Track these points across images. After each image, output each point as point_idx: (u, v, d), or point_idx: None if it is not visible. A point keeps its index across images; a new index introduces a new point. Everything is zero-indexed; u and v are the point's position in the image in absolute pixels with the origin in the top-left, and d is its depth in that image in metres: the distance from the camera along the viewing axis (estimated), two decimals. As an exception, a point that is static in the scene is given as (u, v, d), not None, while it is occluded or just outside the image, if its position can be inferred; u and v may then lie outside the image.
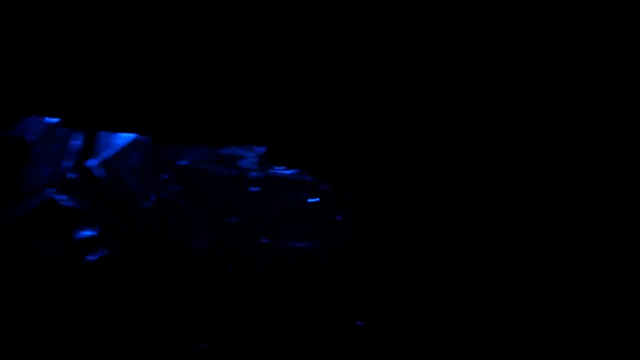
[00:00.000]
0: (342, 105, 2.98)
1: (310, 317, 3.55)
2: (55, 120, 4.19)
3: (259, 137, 3.44)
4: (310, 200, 5.02)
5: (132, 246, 4.38)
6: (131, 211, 4.92)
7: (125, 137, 5.57)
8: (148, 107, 3.07)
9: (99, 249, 4.26)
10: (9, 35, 2.60)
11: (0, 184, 3.77)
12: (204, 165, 5.92)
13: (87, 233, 4.35)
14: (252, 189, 5.50)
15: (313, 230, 4.85)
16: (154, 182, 5.60)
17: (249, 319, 3.48)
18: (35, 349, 3.06)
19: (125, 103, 3.09)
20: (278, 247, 4.56)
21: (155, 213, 4.88)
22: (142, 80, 2.93)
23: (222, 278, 3.99)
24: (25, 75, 3.20)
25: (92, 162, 4.99)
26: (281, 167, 6.75)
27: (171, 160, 6.17)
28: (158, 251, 4.19)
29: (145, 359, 3.10)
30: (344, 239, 4.58)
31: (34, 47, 2.75)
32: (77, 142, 4.63)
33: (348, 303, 3.69)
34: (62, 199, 4.43)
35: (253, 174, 5.97)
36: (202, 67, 2.79)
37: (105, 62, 2.88)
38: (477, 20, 2.33)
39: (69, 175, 4.66)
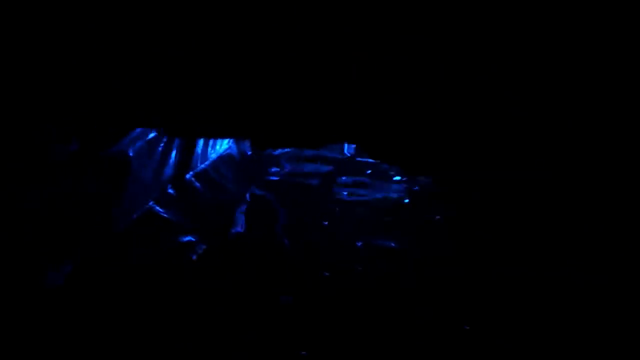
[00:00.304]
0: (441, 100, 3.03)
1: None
2: (153, 135, 4.86)
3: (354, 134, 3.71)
4: (405, 201, 5.45)
5: (231, 248, 5.05)
6: (227, 218, 5.58)
7: (217, 152, 6.28)
8: (249, 112, 3.38)
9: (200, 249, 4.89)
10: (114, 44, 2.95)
11: (104, 197, 4.43)
12: (292, 178, 6.50)
13: (188, 238, 4.80)
14: (343, 193, 6.13)
15: (407, 231, 5.00)
16: (245, 193, 6.33)
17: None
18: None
19: (223, 108, 3.44)
20: (371, 248, 4.72)
21: (250, 216, 5.45)
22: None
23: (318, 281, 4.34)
24: (129, 87, 3.63)
25: (188, 175, 5.48)
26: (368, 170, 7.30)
27: (258, 176, 6.89)
28: (254, 252, 4.73)
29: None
30: (439, 240, 4.78)
31: (143, 58, 3.11)
32: (173, 157, 5.34)
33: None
34: (162, 210, 4.91)
35: (343, 178, 6.56)
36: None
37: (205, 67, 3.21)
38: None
39: (168, 189, 5.15)
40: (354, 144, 4.96)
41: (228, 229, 5.44)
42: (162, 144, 5.08)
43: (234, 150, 6.44)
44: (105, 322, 3.62)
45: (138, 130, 4.70)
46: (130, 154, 4.58)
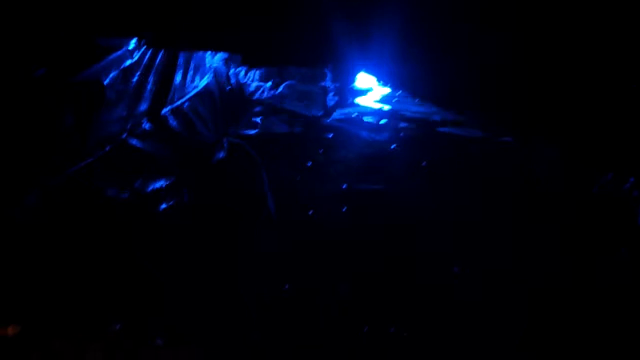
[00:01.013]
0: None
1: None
2: (129, 63, 4.51)
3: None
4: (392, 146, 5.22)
5: (206, 195, 4.71)
6: (205, 160, 5.28)
7: (196, 87, 5.90)
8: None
9: (172, 198, 4.63)
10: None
11: (74, 127, 4.13)
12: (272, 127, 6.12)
13: (161, 182, 4.53)
14: (327, 135, 5.81)
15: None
16: (224, 131, 5.93)
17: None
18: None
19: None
20: (357, 191, 4.49)
21: (228, 162, 5.12)
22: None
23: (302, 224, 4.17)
24: None
25: (165, 110, 5.18)
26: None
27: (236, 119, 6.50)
28: (232, 200, 4.45)
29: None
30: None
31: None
32: (149, 90, 4.99)
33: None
34: (136, 144, 4.64)
35: (331, 117, 6.25)
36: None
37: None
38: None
39: (144, 123, 4.86)
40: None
41: (202, 178, 5.21)
42: (137, 74, 4.74)
43: (213, 85, 6.12)
44: (65, 262, 3.42)
45: (112, 57, 4.34)
46: (104, 83, 4.25)
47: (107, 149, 4.39)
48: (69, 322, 3.00)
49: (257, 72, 8.02)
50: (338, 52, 3.36)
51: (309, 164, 4.99)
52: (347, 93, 7.74)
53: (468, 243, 3.75)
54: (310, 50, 3.30)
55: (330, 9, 3.01)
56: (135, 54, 4.69)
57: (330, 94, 7.86)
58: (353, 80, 8.09)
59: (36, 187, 3.73)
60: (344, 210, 4.13)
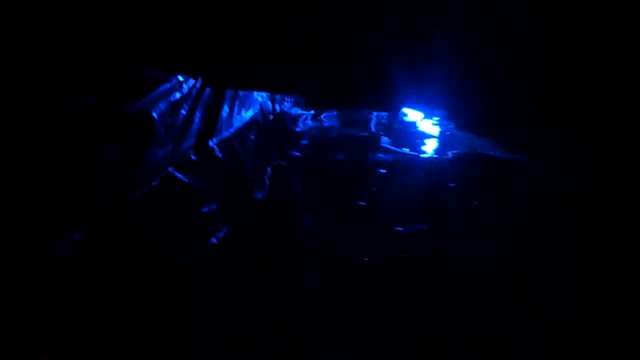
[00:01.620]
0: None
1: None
2: (178, 96, 4.45)
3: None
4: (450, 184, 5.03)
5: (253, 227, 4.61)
6: (247, 193, 5.15)
7: (242, 119, 5.84)
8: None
9: (221, 230, 4.58)
10: None
11: (123, 160, 4.06)
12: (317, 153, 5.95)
13: (206, 209, 4.47)
14: (380, 170, 5.63)
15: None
16: (267, 165, 5.83)
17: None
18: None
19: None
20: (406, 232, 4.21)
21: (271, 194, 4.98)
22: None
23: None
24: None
25: (212, 142, 5.10)
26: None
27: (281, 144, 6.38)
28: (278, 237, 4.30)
29: None
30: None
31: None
32: (197, 122, 4.94)
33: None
34: (182, 177, 4.52)
35: (381, 155, 6.02)
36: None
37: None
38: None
39: (191, 155, 4.76)
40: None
41: (249, 202, 5.06)
42: (185, 107, 4.67)
43: (259, 116, 6.02)
44: (112, 298, 3.28)
45: (161, 88, 4.29)
46: (154, 115, 4.19)
47: (153, 183, 4.30)
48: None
49: (302, 102, 7.92)
50: (398, 94, 3.28)
51: (363, 199, 4.78)
52: (395, 123, 7.55)
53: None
54: (375, 93, 3.24)
55: (392, 53, 2.95)
56: (184, 86, 4.64)
57: (374, 121, 7.69)
58: (400, 112, 7.89)
59: (82, 222, 3.64)
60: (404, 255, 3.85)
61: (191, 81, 4.75)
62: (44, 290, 3.20)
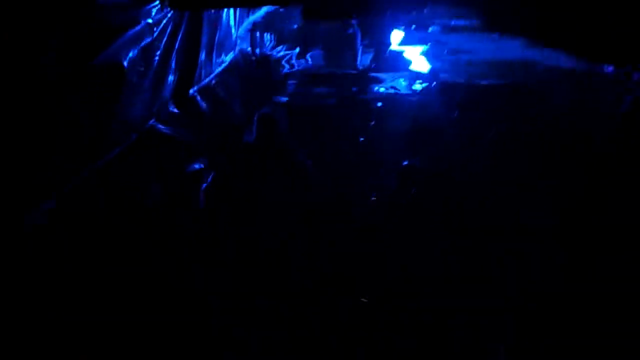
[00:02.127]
0: None
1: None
2: (149, 40, 4.01)
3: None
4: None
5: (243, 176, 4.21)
6: (236, 139, 4.79)
7: (222, 64, 5.40)
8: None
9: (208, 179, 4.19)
10: None
11: (95, 116, 3.70)
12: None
13: (197, 166, 4.15)
14: (377, 104, 5.19)
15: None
16: (254, 111, 5.39)
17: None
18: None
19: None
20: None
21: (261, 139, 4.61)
22: None
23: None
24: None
25: (193, 90, 4.73)
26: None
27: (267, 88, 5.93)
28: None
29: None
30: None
31: None
32: (173, 68, 4.50)
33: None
34: (164, 130, 4.18)
35: (374, 87, 5.63)
36: None
37: None
38: None
39: (170, 106, 4.41)
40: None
41: (238, 148, 4.75)
42: (158, 52, 4.27)
43: (239, 59, 5.61)
44: (96, 270, 3.01)
45: (129, 33, 3.87)
46: (125, 64, 3.80)
47: (133, 137, 3.97)
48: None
49: (285, 42, 7.50)
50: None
51: (362, 139, 4.46)
52: (383, 59, 7.16)
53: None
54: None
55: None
56: (155, 30, 4.21)
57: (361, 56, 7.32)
58: (388, 42, 7.48)
59: (56, 188, 3.32)
60: (413, 191, 3.60)
61: (163, 24, 4.33)
62: (27, 261, 2.93)
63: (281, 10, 7.98)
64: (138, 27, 3.98)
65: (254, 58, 6.30)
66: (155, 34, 4.18)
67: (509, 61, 6.50)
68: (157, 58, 4.21)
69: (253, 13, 7.19)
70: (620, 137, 4.34)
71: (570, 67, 6.57)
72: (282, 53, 7.29)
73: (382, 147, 4.33)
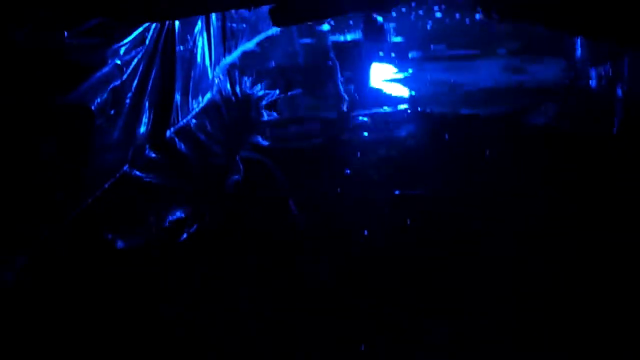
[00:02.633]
0: None
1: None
2: (119, 82, 3.74)
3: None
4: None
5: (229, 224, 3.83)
6: (219, 185, 4.43)
7: (199, 103, 5.13)
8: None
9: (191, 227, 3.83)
10: None
11: (64, 164, 3.40)
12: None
13: (178, 214, 3.81)
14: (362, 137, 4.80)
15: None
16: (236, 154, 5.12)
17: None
18: None
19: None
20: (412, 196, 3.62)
21: (246, 184, 4.31)
22: None
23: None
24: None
25: (170, 132, 4.42)
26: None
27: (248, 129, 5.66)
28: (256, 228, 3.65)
29: None
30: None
31: None
32: (147, 109, 4.14)
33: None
34: (141, 176, 3.85)
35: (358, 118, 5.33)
36: None
37: None
38: None
39: (147, 150, 4.09)
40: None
41: (222, 195, 4.48)
42: (130, 94, 4.02)
43: (218, 98, 5.40)
44: (70, 328, 2.68)
45: (98, 74, 3.62)
46: (92, 108, 3.54)
47: (106, 185, 3.67)
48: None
49: (264, 82, 7.34)
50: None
51: (348, 171, 4.21)
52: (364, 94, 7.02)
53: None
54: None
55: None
56: (125, 70, 3.99)
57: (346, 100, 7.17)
58: (368, 75, 7.38)
59: (26, 244, 2.99)
60: (408, 223, 3.33)
61: (133, 64, 4.10)
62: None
63: (258, 50, 7.89)
64: (106, 68, 3.75)
65: (233, 99, 6.10)
66: (126, 75, 3.95)
67: (491, 88, 6.40)
68: (128, 100, 3.96)
69: (230, 53, 7.06)
70: (616, 159, 4.19)
71: (553, 85, 6.49)
72: (261, 92, 7.11)
73: (370, 178, 4.11)
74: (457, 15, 9.47)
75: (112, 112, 3.77)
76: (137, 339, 2.69)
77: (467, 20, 9.15)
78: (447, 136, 4.80)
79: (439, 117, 5.87)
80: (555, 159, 4.38)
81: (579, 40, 7.47)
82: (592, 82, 5.96)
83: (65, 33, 3.50)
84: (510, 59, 7.01)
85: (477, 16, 8.89)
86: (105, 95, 3.69)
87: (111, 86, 3.76)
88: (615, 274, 2.69)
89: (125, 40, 3.91)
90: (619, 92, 5.35)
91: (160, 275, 3.15)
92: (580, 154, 4.40)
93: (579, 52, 7.08)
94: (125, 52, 4.00)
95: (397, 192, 3.77)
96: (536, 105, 5.80)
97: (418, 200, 3.66)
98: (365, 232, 3.32)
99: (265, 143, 5.65)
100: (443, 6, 9.84)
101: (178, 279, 3.14)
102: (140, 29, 4.12)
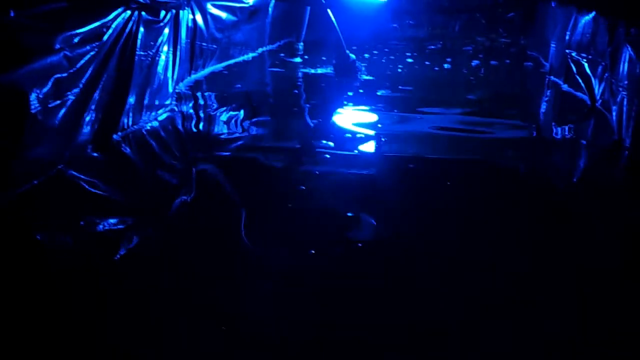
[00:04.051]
0: None
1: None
2: (66, 75, 3.41)
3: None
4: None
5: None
6: (168, 198, 4.09)
7: (156, 110, 4.82)
8: None
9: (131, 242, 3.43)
10: None
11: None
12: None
13: (116, 224, 3.49)
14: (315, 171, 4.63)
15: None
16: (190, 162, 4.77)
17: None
18: None
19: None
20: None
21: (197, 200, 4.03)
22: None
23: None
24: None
25: (117, 136, 4.20)
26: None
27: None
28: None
29: None
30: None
31: None
32: (94, 108, 3.77)
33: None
34: (79, 177, 3.54)
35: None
36: None
37: None
38: None
39: (88, 150, 3.83)
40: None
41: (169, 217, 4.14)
42: (77, 89, 3.74)
43: (177, 112, 5.15)
44: None
45: (42, 62, 3.33)
46: (31, 93, 3.22)
47: (35, 182, 3.32)
48: None
49: (230, 105, 7.15)
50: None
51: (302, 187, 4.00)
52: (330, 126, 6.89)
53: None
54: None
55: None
56: (75, 63, 3.71)
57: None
58: (335, 113, 7.27)
59: None
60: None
61: (86, 58, 3.84)
62: None
63: (227, 73, 7.73)
64: (53, 57, 3.47)
65: (194, 116, 5.88)
66: (75, 69, 3.68)
67: (456, 134, 6.34)
68: (72, 96, 3.66)
69: (196, 72, 6.87)
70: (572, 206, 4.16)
71: (518, 135, 6.50)
72: (226, 115, 6.91)
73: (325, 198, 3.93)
74: (427, 63, 9.61)
75: (52, 104, 3.47)
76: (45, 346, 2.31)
77: (436, 67, 9.29)
78: (407, 176, 4.68)
79: (402, 157, 5.73)
80: (513, 202, 4.27)
81: (545, 96, 7.61)
82: (557, 136, 6.03)
83: (12, 12, 3.25)
84: (474, 108, 7.05)
85: (445, 65, 9.05)
86: (47, 85, 3.41)
87: (55, 76, 3.48)
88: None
89: (78, 31, 3.66)
90: (583, 143, 5.42)
91: (84, 284, 2.78)
92: (538, 199, 4.34)
93: (544, 107, 7.19)
94: (78, 45, 3.75)
95: (349, 214, 3.55)
96: (499, 153, 5.77)
97: (369, 224, 3.46)
98: (312, 252, 3.07)
99: (222, 157, 5.37)
100: (415, 53, 10.01)
101: (106, 291, 2.79)
102: (97, 23, 3.89)
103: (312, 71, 8.27)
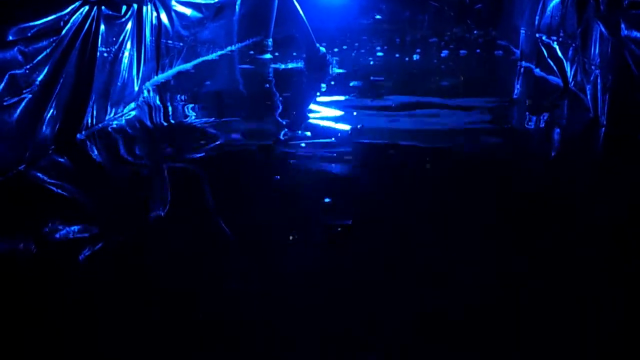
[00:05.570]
0: None
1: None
2: (22, 70, 3.18)
3: None
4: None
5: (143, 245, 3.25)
6: (136, 199, 3.87)
7: (122, 106, 4.59)
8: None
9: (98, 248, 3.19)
10: None
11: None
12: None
13: (80, 229, 3.26)
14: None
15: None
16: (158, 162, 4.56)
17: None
18: None
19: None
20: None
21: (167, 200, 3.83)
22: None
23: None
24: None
25: (81, 135, 3.99)
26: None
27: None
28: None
29: None
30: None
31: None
32: (54, 107, 3.52)
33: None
34: (41, 178, 3.35)
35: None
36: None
37: None
38: None
39: (50, 151, 3.63)
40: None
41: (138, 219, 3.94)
42: (35, 86, 3.52)
43: (145, 110, 4.95)
44: None
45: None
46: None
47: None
48: None
49: (199, 104, 6.97)
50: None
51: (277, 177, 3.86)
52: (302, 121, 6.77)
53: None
54: None
55: None
56: (31, 59, 3.50)
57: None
58: (307, 107, 7.16)
59: None
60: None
61: (44, 54, 3.62)
62: None
63: (195, 72, 7.54)
64: (7, 52, 3.26)
65: (162, 115, 5.68)
66: (31, 64, 3.46)
67: (425, 122, 6.25)
68: (29, 94, 3.45)
69: (163, 71, 6.67)
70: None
71: (491, 123, 6.46)
72: (194, 114, 6.72)
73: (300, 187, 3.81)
74: (397, 55, 9.55)
75: (8, 102, 3.26)
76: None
77: (407, 58, 9.25)
78: (382, 162, 4.59)
79: (376, 146, 5.64)
80: (486, 185, 4.20)
81: (517, 81, 7.62)
82: (531, 125, 6.00)
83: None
84: (446, 96, 7.00)
85: (415, 57, 9.00)
86: (1, 82, 3.19)
87: (10, 72, 3.27)
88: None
89: (33, 23, 3.44)
90: (557, 131, 5.39)
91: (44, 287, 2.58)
92: (512, 181, 4.28)
93: (516, 92, 7.19)
94: (34, 39, 3.53)
95: (327, 200, 3.43)
96: (473, 139, 5.70)
97: (347, 210, 3.35)
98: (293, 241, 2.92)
99: (193, 156, 5.17)
100: (385, 47, 9.96)
101: (73, 300, 2.59)
102: (53, 16, 3.68)
103: (283, 66, 8.14)
